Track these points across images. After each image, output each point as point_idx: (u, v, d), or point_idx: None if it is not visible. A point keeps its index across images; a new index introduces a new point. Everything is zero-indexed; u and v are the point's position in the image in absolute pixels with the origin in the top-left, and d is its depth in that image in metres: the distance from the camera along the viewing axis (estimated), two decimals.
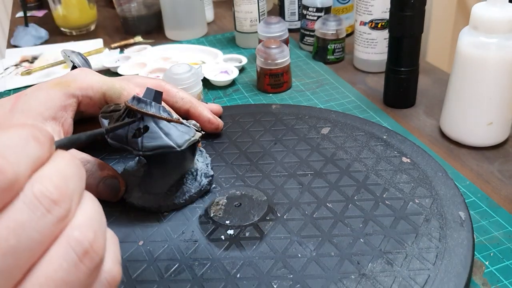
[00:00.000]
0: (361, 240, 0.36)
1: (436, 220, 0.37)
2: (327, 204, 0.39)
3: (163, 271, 0.35)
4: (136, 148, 0.37)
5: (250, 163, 0.45)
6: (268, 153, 0.46)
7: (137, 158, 0.44)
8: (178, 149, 0.37)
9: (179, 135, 0.38)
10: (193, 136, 0.39)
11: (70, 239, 0.18)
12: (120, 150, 0.44)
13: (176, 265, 0.35)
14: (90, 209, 0.20)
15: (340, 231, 0.37)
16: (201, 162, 0.43)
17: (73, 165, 0.20)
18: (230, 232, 0.37)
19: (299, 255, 0.35)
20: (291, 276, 0.33)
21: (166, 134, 0.37)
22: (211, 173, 0.43)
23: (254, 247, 0.36)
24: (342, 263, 0.34)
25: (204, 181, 0.42)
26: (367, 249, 0.35)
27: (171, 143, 0.37)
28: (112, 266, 0.21)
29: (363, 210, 0.38)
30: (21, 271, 0.17)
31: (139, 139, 0.37)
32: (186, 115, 0.48)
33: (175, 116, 0.40)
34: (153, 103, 0.38)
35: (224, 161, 0.46)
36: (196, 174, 0.42)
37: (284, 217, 0.38)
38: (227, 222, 0.38)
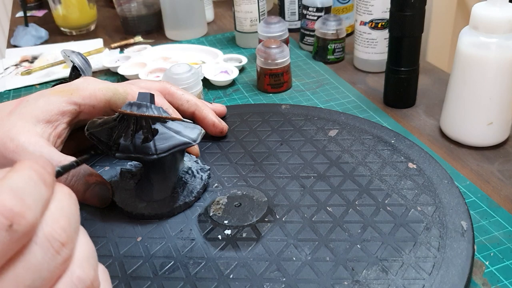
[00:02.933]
0: (358, 246, 0.35)
1: (437, 229, 0.36)
2: (327, 207, 0.39)
3: (158, 268, 0.35)
4: (150, 153, 0.37)
5: (254, 163, 0.45)
6: (273, 154, 0.46)
7: (128, 167, 0.44)
8: (194, 143, 0.38)
9: (189, 131, 0.38)
10: (202, 130, 0.39)
11: (74, 277, 0.20)
12: (111, 158, 0.44)
13: (171, 263, 0.35)
14: (86, 245, 0.22)
15: (337, 236, 0.36)
16: (188, 160, 0.43)
17: (72, 202, 0.22)
18: (228, 232, 0.37)
19: (294, 259, 0.35)
20: (284, 279, 0.33)
21: (177, 132, 0.38)
22: (207, 167, 0.43)
23: (250, 248, 0.36)
24: (337, 268, 0.34)
25: (204, 175, 0.42)
26: (363, 255, 0.35)
27: (186, 140, 0.38)
28: None
29: (363, 216, 0.38)
30: None
31: (151, 143, 0.37)
32: (191, 117, 0.48)
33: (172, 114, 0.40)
34: (152, 105, 0.38)
35: (228, 160, 0.46)
36: (192, 172, 0.42)
37: (283, 219, 0.38)
38: (226, 222, 0.38)
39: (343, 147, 0.46)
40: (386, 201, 0.39)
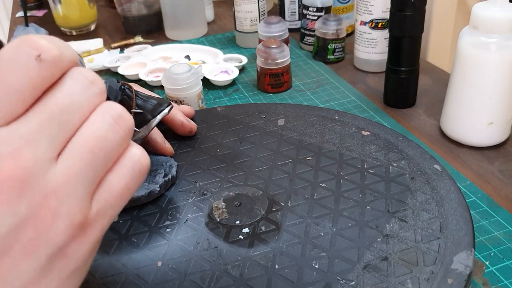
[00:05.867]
0: (368, 207, 0.38)
1: (419, 176, 0.40)
2: (320, 184, 0.41)
3: (200, 283, 0.34)
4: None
5: (227, 165, 0.45)
6: (239, 152, 0.46)
7: None
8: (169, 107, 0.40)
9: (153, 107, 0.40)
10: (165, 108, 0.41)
11: (107, 107, 0.22)
12: None
13: (210, 274, 0.34)
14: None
15: (345, 205, 0.38)
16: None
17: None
18: (246, 230, 0.37)
19: (322, 234, 0.36)
20: (325, 254, 0.35)
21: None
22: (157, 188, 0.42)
23: (276, 237, 0.36)
24: (364, 231, 0.36)
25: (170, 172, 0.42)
26: (377, 213, 0.37)
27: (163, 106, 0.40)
28: (142, 154, 0.23)
29: (355, 183, 0.41)
30: (73, 126, 0.21)
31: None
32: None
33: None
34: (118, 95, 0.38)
35: (199, 168, 0.45)
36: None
37: (289, 204, 0.39)
38: (237, 222, 0.38)
39: (298, 132, 0.48)
40: (365, 166, 0.42)
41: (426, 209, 0.37)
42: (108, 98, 0.37)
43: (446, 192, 0.39)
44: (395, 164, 0.42)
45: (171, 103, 0.41)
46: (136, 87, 0.45)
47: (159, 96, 0.42)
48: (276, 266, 0.34)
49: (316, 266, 0.34)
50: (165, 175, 0.42)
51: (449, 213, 0.37)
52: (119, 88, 0.38)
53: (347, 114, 0.49)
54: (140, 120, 0.39)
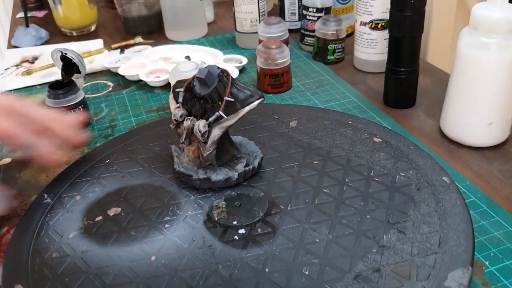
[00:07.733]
0: (367, 216, 0.37)
1: (426, 187, 0.40)
2: (323, 189, 0.41)
3: (189, 280, 0.34)
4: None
5: None
6: None
7: None
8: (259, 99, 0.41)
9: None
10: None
11: None
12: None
13: (200, 272, 0.35)
14: None
15: (345, 212, 0.38)
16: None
17: None
18: (242, 231, 0.37)
19: (317, 240, 0.36)
20: (317, 260, 0.34)
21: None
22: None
23: (271, 240, 0.36)
24: (360, 240, 0.36)
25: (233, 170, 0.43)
26: (376, 223, 0.37)
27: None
28: None
29: (358, 190, 0.40)
30: None
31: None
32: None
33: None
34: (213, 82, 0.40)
35: None
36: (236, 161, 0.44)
37: (288, 208, 0.39)
38: (235, 222, 0.38)
39: (309, 135, 0.48)
40: (371, 174, 0.42)
41: (428, 222, 0.36)
42: (205, 83, 0.38)
43: (451, 206, 0.38)
44: (402, 174, 0.41)
45: (262, 96, 0.41)
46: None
47: (253, 89, 0.42)
48: (267, 270, 0.34)
49: (306, 273, 0.34)
50: (247, 165, 0.43)
51: (451, 227, 0.36)
52: (217, 75, 0.39)
53: (361, 119, 0.49)
54: (231, 108, 0.40)
